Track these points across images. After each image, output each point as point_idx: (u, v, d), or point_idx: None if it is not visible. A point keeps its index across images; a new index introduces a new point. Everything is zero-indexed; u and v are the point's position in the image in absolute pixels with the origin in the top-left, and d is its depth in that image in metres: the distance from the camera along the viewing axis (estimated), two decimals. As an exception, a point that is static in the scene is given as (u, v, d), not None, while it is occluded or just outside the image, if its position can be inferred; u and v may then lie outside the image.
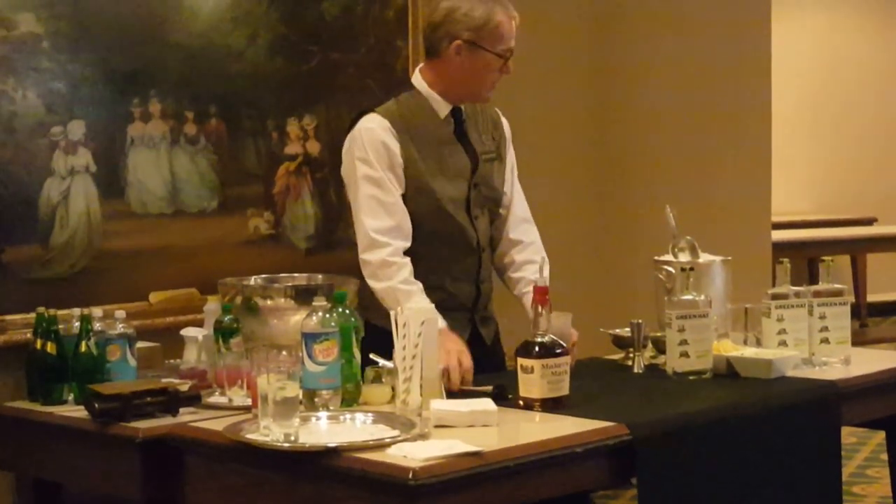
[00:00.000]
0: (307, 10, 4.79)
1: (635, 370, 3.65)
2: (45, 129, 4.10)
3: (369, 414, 3.04)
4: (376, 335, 3.37)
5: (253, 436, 2.86)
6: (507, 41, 3.58)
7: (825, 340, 3.68)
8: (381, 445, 2.76)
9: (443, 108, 3.67)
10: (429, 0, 5.13)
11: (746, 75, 6.16)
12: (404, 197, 3.62)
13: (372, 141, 3.59)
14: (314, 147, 4.83)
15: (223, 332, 3.68)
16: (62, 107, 4.14)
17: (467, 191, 3.69)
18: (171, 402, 3.49)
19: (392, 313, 3.14)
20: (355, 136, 3.64)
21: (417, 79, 3.70)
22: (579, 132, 5.83)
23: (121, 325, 3.70)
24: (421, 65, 3.76)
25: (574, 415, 3.05)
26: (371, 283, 3.56)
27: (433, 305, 3.39)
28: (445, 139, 3.68)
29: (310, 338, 3.15)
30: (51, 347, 3.75)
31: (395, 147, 3.59)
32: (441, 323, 3.40)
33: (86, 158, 4.19)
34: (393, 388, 3.17)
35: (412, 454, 2.66)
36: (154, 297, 4.34)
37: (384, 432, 2.87)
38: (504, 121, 3.88)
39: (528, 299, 3.50)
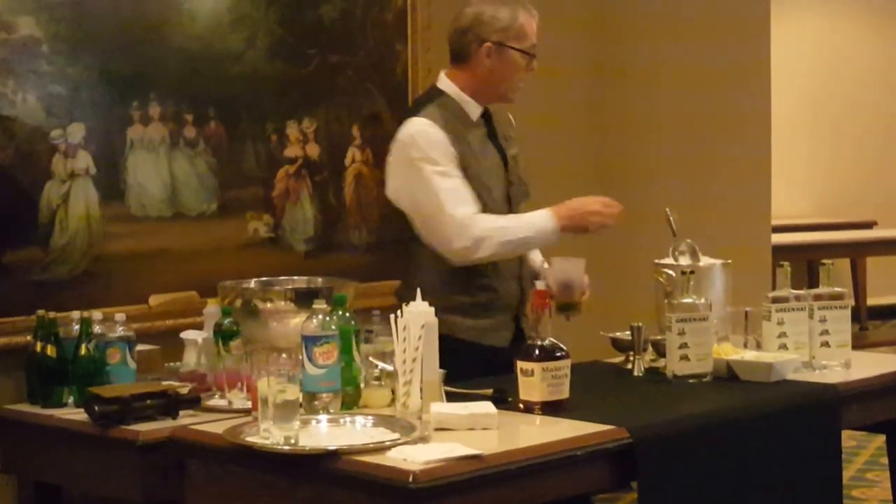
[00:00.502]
0: (306, 12, 4.79)
1: (635, 373, 3.65)
2: (44, 132, 4.10)
3: (369, 417, 3.04)
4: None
5: (253, 439, 2.86)
6: (530, 39, 3.74)
7: (825, 344, 3.68)
8: (381, 448, 2.75)
9: (474, 111, 3.78)
10: (428, 3, 5.14)
11: (746, 78, 6.16)
12: None
13: (428, 139, 3.65)
14: (313, 150, 4.83)
15: (223, 335, 3.68)
16: (62, 110, 4.14)
17: (506, 188, 3.81)
18: (170, 405, 3.49)
19: (392, 316, 3.13)
20: (406, 142, 3.69)
21: (446, 83, 3.79)
22: (579, 135, 5.83)
23: (121, 328, 3.70)
24: (445, 70, 3.83)
25: (574, 418, 3.05)
26: (483, 253, 3.60)
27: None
28: (481, 140, 3.78)
29: (310, 341, 3.15)
30: (51, 350, 3.76)
31: (451, 146, 3.66)
32: (545, 215, 3.64)
33: (85, 161, 4.19)
34: (393, 391, 3.17)
35: (412, 457, 2.66)
36: (154, 299, 4.34)
37: (384, 435, 2.87)
38: (512, 118, 4.00)
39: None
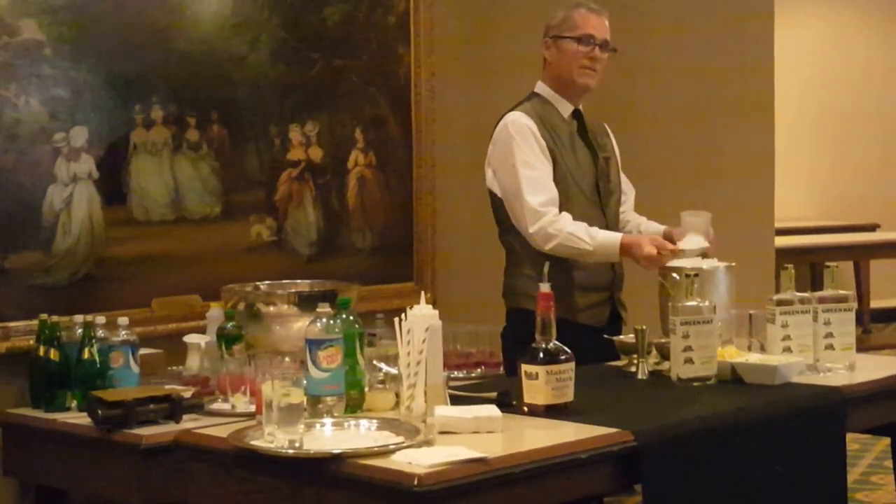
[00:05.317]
0: (309, 16, 4.79)
1: (639, 376, 3.64)
2: (47, 135, 4.10)
3: (373, 420, 3.03)
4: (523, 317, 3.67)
5: (257, 442, 2.86)
6: (584, 28, 4.08)
7: (830, 346, 3.67)
8: (385, 452, 2.75)
9: (565, 109, 4.14)
10: (430, 6, 5.13)
11: (749, 80, 6.15)
12: None
13: (521, 129, 4.00)
14: (316, 153, 4.83)
15: (226, 339, 3.68)
16: (65, 113, 4.14)
17: (595, 180, 4.13)
18: (174, 408, 3.49)
19: (396, 320, 3.13)
20: (502, 130, 4.04)
21: (539, 86, 4.16)
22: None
23: (123, 332, 3.70)
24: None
25: (578, 421, 3.05)
26: (547, 246, 3.90)
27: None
28: (571, 135, 4.12)
29: (314, 344, 3.14)
30: (53, 354, 3.76)
31: (539, 136, 4.00)
32: (614, 240, 3.90)
33: (88, 165, 4.19)
34: (397, 395, 3.17)
35: (417, 460, 2.65)
36: (157, 303, 4.34)
37: (389, 439, 2.86)
38: (609, 130, 4.32)
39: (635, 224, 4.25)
